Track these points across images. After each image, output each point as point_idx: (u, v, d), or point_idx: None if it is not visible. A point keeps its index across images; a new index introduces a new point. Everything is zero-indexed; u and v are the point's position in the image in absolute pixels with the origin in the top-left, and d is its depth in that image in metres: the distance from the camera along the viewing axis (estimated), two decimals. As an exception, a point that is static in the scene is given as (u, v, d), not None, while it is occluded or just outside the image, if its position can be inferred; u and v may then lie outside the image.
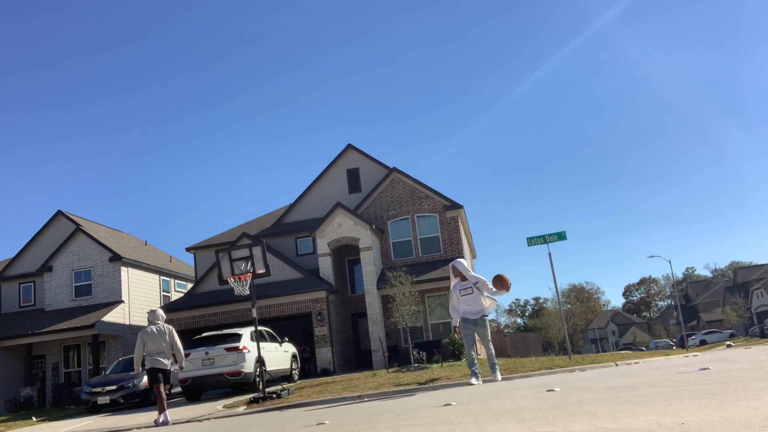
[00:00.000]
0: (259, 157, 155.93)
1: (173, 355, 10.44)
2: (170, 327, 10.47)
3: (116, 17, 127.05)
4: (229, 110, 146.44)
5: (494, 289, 9.97)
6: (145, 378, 13.89)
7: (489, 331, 10.26)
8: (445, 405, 6.13)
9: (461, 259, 10.60)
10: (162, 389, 10.03)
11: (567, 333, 19.37)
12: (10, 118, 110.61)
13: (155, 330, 10.27)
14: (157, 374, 10.11)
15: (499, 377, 10.13)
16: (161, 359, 10.15)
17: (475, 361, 10.14)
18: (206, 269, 26.32)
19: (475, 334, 10.23)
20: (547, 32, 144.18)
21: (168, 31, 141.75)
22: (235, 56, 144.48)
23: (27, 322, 27.18)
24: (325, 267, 24.43)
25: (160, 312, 10.58)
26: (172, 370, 10.29)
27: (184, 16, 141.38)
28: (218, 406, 13.20)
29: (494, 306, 10.19)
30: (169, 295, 31.36)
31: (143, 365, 10.56)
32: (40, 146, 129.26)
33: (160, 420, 9.98)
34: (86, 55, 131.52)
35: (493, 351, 10.34)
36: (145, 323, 26.75)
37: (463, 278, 10.28)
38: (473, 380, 9.82)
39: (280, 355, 17.45)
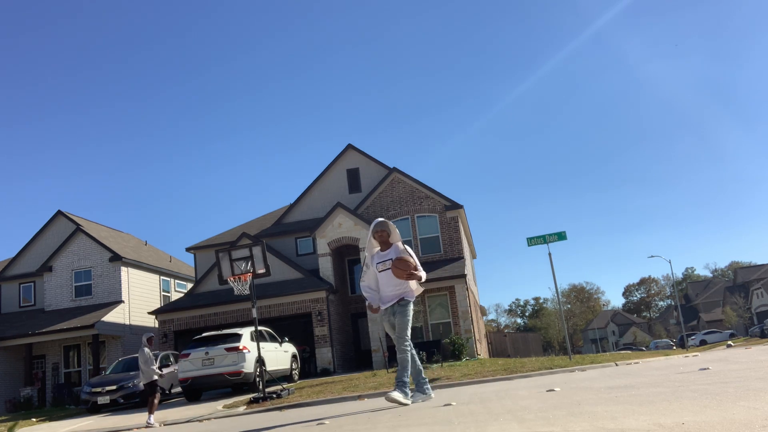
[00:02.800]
0: (259, 158, 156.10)
1: (161, 368, 13.38)
2: (146, 350, 12.43)
3: (117, 20, 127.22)
4: (229, 111, 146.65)
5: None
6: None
7: (409, 321, 6.72)
8: (445, 405, 6.13)
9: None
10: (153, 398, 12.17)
11: (567, 333, 19.37)
12: (11, 119, 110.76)
13: (144, 350, 12.30)
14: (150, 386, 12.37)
15: (432, 394, 6.96)
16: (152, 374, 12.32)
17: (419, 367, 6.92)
18: (206, 269, 26.33)
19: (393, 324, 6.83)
20: (547, 33, 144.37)
21: (169, 34, 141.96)
22: (236, 58, 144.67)
23: (27, 322, 27.19)
24: (325, 267, 24.44)
25: (146, 335, 12.55)
26: (156, 378, 12.44)
27: (186, 19, 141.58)
28: (218, 406, 13.20)
29: (420, 292, 6.98)
30: (169, 295, 31.36)
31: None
32: (40, 147, 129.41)
33: (149, 421, 11.83)
34: (87, 57, 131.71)
35: (409, 357, 6.59)
36: (144, 323, 27.15)
37: (387, 245, 6.88)
38: (432, 392, 6.98)
39: (280, 355, 17.46)
